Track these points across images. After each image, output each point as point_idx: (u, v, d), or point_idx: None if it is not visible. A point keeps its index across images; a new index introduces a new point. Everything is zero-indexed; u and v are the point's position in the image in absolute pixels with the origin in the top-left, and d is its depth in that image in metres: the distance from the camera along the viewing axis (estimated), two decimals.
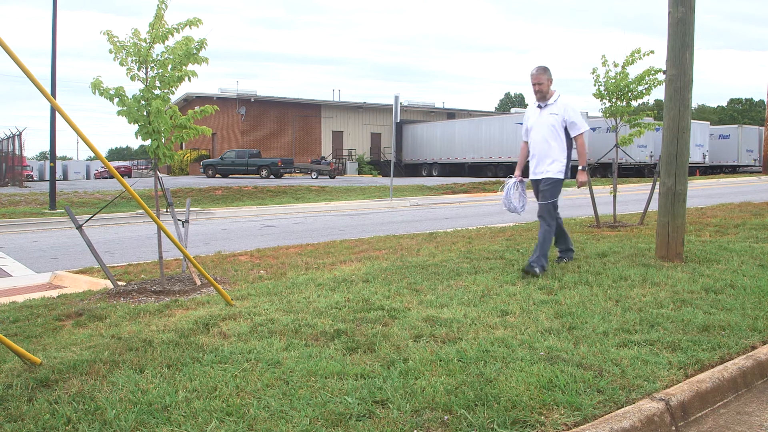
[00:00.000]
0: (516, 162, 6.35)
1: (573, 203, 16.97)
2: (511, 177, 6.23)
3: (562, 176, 5.90)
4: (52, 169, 18.50)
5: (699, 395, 3.12)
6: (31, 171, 45.47)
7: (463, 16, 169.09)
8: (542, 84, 5.88)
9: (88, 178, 53.61)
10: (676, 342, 3.72)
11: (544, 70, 5.91)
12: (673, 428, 2.95)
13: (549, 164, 5.93)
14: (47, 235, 12.13)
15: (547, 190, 5.93)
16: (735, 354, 3.60)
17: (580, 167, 5.95)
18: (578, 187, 5.99)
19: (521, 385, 3.08)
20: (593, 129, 35.07)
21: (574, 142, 5.98)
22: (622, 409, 2.88)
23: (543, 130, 5.96)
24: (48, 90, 3.97)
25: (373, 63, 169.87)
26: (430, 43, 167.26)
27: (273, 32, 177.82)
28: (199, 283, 5.90)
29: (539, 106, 6.03)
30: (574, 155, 5.99)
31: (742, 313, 4.32)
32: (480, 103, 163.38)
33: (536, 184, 6.14)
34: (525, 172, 6.22)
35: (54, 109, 14.85)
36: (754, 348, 3.71)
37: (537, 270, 5.60)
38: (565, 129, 5.91)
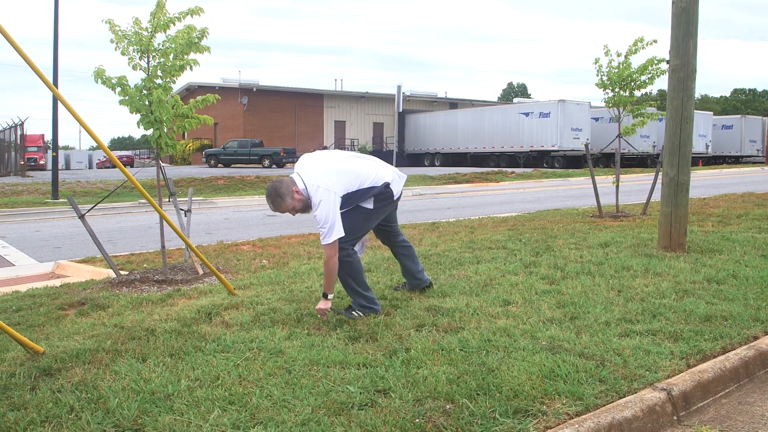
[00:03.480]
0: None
1: (576, 193, 16.96)
2: None
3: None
4: (55, 159, 18.58)
5: (701, 385, 3.13)
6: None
7: (467, 5, 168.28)
8: (294, 207, 4.13)
9: (90, 167, 53.63)
10: (678, 332, 3.72)
11: (280, 196, 4.08)
12: (675, 418, 2.95)
13: None
14: (50, 225, 12.14)
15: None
16: (737, 344, 3.60)
17: (322, 294, 4.18)
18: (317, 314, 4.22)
19: (523, 374, 3.08)
20: (596, 119, 35.05)
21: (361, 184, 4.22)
22: (624, 399, 2.89)
23: None
24: (50, 79, 3.96)
25: (376, 53, 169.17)
26: (432, 33, 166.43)
27: (276, 22, 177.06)
28: (201, 272, 5.91)
29: None
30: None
31: (744, 303, 4.32)
32: (483, 93, 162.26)
33: None
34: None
35: (56, 99, 14.80)
36: (756, 338, 3.71)
37: (352, 314, 4.26)
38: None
